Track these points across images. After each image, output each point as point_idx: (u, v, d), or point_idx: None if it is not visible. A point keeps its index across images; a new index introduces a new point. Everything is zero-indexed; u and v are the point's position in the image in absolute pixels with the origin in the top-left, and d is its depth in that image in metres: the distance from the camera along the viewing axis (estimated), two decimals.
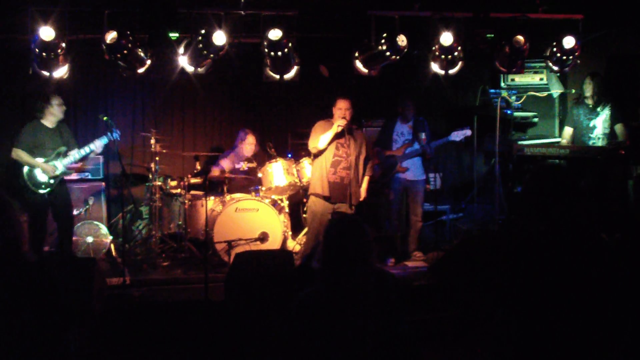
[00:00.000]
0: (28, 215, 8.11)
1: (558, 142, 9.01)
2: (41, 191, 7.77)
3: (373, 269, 3.58)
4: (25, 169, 7.77)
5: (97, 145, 8.00)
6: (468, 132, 8.54)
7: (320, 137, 7.88)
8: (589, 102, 8.56)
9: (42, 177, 7.76)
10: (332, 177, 7.94)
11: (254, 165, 9.17)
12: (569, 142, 8.78)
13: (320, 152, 7.97)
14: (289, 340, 3.61)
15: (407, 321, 3.65)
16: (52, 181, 7.79)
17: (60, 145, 7.89)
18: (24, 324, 3.44)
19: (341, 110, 7.83)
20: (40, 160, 7.74)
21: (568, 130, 8.86)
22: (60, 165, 7.82)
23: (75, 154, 7.92)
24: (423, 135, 8.47)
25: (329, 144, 7.90)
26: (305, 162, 8.73)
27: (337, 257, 3.52)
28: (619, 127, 8.44)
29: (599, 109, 8.52)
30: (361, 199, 8.14)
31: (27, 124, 7.88)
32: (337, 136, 7.90)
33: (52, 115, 7.86)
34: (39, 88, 8.17)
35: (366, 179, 8.22)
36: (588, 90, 8.54)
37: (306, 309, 3.51)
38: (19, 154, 7.72)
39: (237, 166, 9.13)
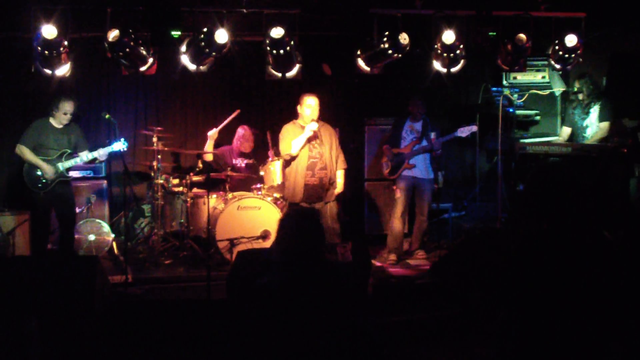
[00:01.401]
0: (30, 213, 8.15)
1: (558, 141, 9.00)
2: (36, 190, 7.81)
3: (325, 261, 3.65)
4: (25, 166, 7.82)
5: (102, 153, 7.99)
6: (474, 128, 8.56)
7: (292, 143, 7.93)
8: (581, 102, 8.63)
9: (39, 175, 7.79)
10: (310, 180, 7.98)
11: (251, 161, 9.17)
12: (565, 141, 8.82)
13: (294, 158, 8.01)
14: (247, 328, 3.68)
15: (374, 319, 3.72)
16: (49, 182, 7.81)
17: (65, 147, 7.92)
18: None
19: (310, 108, 7.91)
20: (41, 159, 7.77)
21: (566, 130, 8.93)
22: (60, 167, 7.83)
23: (77, 159, 7.92)
24: (433, 134, 8.50)
25: (302, 148, 7.95)
26: None
27: (288, 248, 3.62)
28: (604, 125, 8.48)
29: (590, 109, 8.58)
30: (337, 192, 8.19)
31: (35, 121, 7.98)
32: (310, 139, 7.96)
33: (56, 119, 7.90)
34: (59, 88, 8.23)
35: (342, 172, 8.27)
36: (578, 92, 8.62)
37: (261, 297, 3.58)
38: (22, 150, 7.80)
39: (234, 162, 9.13)
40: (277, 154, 8.56)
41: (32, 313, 3.55)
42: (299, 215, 3.77)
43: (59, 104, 7.84)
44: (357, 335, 3.58)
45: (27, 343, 3.71)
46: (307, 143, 7.96)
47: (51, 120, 7.92)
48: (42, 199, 7.86)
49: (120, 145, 8.08)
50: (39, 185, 7.80)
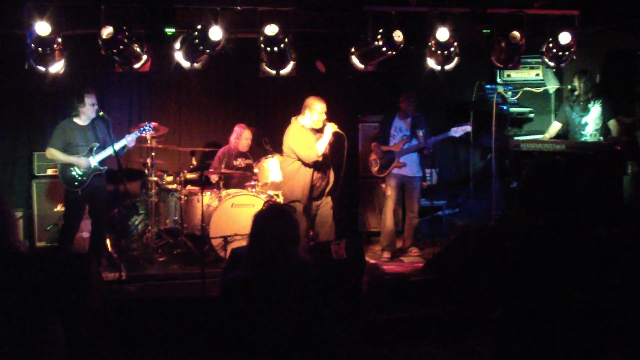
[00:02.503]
0: (64, 210, 8.13)
1: (554, 138, 8.99)
2: (73, 189, 7.80)
3: (295, 258, 3.68)
4: (59, 167, 7.85)
5: (130, 139, 7.96)
6: (468, 128, 8.57)
7: (317, 145, 7.83)
8: (580, 99, 8.62)
9: (74, 173, 7.78)
10: (319, 182, 7.94)
11: (250, 161, 9.17)
12: (552, 137, 8.84)
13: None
14: (215, 321, 3.71)
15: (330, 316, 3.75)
16: (85, 178, 7.79)
17: (93, 141, 7.87)
18: (7, 313, 3.46)
19: (321, 114, 7.88)
20: (74, 156, 7.76)
21: (555, 126, 8.93)
22: (93, 161, 7.81)
23: (109, 150, 7.79)
24: (421, 132, 8.49)
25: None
26: None
27: (260, 243, 3.64)
28: (612, 123, 8.50)
29: (590, 106, 8.58)
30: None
31: (60, 123, 7.96)
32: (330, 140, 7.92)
33: (84, 115, 7.86)
34: (75, 86, 8.22)
35: None
36: (578, 88, 8.60)
37: (229, 291, 3.64)
38: (52, 152, 7.78)
39: (236, 163, 9.13)
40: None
41: (27, 311, 3.54)
42: (273, 213, 3.78)
43: (84, 98, 7.80)
44: (317, 335, 3.60)
45: (52, 345, 3.71)
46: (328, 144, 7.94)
47: (75, 120, 7.88)
48: (79, 197, 7.86)
49: (149, 130, 8.30)
50: (76, 183, 7.79)
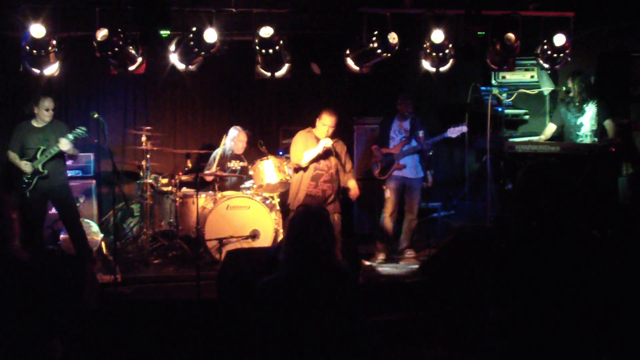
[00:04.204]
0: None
1: (550, 140, 9.00)
2: (22, 192, 7.76)
3: (332, 262, 3.66)
4: (14, 169, 7.82)
5: (63, 143, 7.73)
6: (464, 129, 8.56)
7: (305, 154, 7.90)
8: (575, 100, 8.62)
9: (21, 177, 7.77)
10: (313, 191, 7.96)
11: (245, 163, 9.16)
12: (547, 139, 8.84)
13: (302, 168, 8.00)
14: (251, 326, 3.70)
15: (372, 320, 3.74)
16: (30, 181, 7.76)
17: (43, 144, 7.80)
18: (8, 323, 3.43)
19: (326, 126, 7.90)
20: (21, 162, 7.76)
21: (551, 128, 8.93)
22: (35, 163, 7.75)
23: (47, 153, 7.76)
24: (421, 133, 8.49)
25: (312, 161, 7.94)
26: None
27: (297, 246, 3.64)
28: (607, 123, 8.50)
29: (584, 107, 8.57)
30: (354, 198, 8.44)
31: (18, 125, 7.94)
32: (323, 154, 7.95)
33: (39, 118, 7.84)
34: (31, 87, 8.16)
35: (353, 182, 8.32)
36: (572, 89, 8.61)
37: (266, 295, 3.61)
38: (10, 155, 7.82)
39: (230, 165, 9.12)
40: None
41: (21, 314, 3.52)
42: (308, 215, 3.77)
43: (38, 101, 7.77)
44: (357, 335, 3.60)
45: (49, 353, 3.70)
46: (317, 157, 7.95)
47: (32, 122, 7.87)
48: (29, 199, 7.80)
49: (80, 133, 7.88)
50: (23, 185, 7.76)
